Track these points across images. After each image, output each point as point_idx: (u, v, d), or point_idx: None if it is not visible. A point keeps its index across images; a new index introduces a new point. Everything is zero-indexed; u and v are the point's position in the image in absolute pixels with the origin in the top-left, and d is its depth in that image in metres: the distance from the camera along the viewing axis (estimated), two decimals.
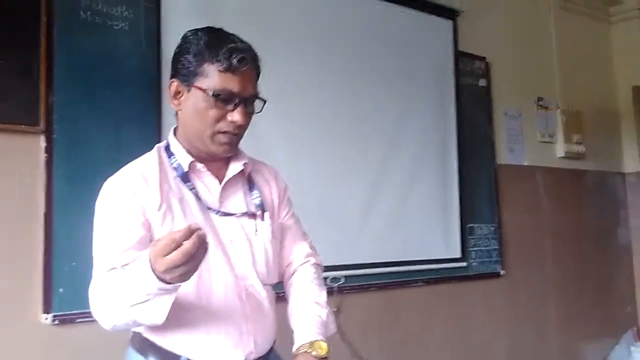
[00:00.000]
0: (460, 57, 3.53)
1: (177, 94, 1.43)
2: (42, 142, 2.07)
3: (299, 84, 2.79)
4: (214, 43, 1.36)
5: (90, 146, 2.15)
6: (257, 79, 1.44)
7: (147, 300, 1.15)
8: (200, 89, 1.36)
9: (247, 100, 1.39)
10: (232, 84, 1.35)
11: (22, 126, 2.03)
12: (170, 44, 2.25)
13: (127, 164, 1.44)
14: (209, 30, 1.41)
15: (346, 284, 2.83)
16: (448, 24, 3.47)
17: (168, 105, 2.24)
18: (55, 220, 2.06)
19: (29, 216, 2.04)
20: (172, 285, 1.13)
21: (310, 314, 1.46)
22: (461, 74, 3.53)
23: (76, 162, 2.11)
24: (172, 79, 1.43)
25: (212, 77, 1.35)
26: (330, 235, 2.69)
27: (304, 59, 2.82)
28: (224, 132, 1.39)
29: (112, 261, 1.28)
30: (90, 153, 2.14)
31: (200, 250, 1.08)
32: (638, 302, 4.56)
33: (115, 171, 1.41)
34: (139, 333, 1.41)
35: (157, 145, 1.50)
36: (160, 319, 1.17)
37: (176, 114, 1.47)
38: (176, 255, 1.06)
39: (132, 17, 2.29)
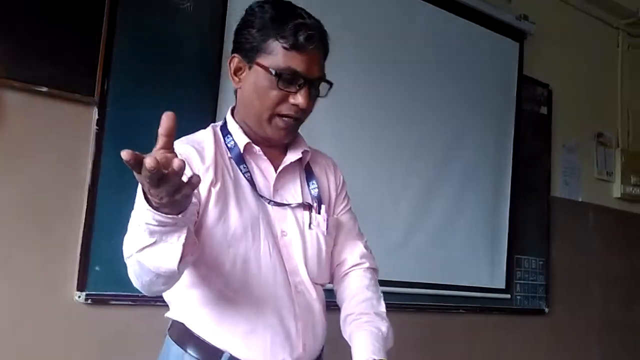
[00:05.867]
0: (523, 81, 3.41)
1: (237, 70, 1.32)
2: (94, 114, 2.02)
3: (353, 93, 2.69)
4: (281, 17, 1.26)
5: (143, 124, 2.05)
6: (324, 59, 1.33)
7: (154, 242, 1.01)
8: (262, 66, 1.26)
9: (312, 83, 1.29)
10: (297, 63, 1.24)
11: (77, 95, 1.99)
12: (234, 28, 2.23)
13: None
14: (276, 3, 1.30)
15: (384, 301, 2.68)
16: (515, 45, 3.36)
17: (225, 92, 2.22)
18: (99, 194, 1.99)
19: (73, 187, 1.98)
20: (170, 216, 0.97)
21: (370, 327, 1.33)
22: (522, 99, 3.41)
23: (127, 139, 2.04)
24: (233, 54, 1.33)
25: (276, 54, 1.25)
26: (372, 248, 2.56)
27: (359, 68, 2.73)
28: (283, 116, 1.29)
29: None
30: (142, 131, 2.02)
31: (168, 172, 0.88)
32: None
33: None
34: (180, 323, 1.30)
35: (212, 124, 1.40)
36: (172, 262, 1.02)
37: (235, 92, 1.37)
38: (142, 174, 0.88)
39: None
